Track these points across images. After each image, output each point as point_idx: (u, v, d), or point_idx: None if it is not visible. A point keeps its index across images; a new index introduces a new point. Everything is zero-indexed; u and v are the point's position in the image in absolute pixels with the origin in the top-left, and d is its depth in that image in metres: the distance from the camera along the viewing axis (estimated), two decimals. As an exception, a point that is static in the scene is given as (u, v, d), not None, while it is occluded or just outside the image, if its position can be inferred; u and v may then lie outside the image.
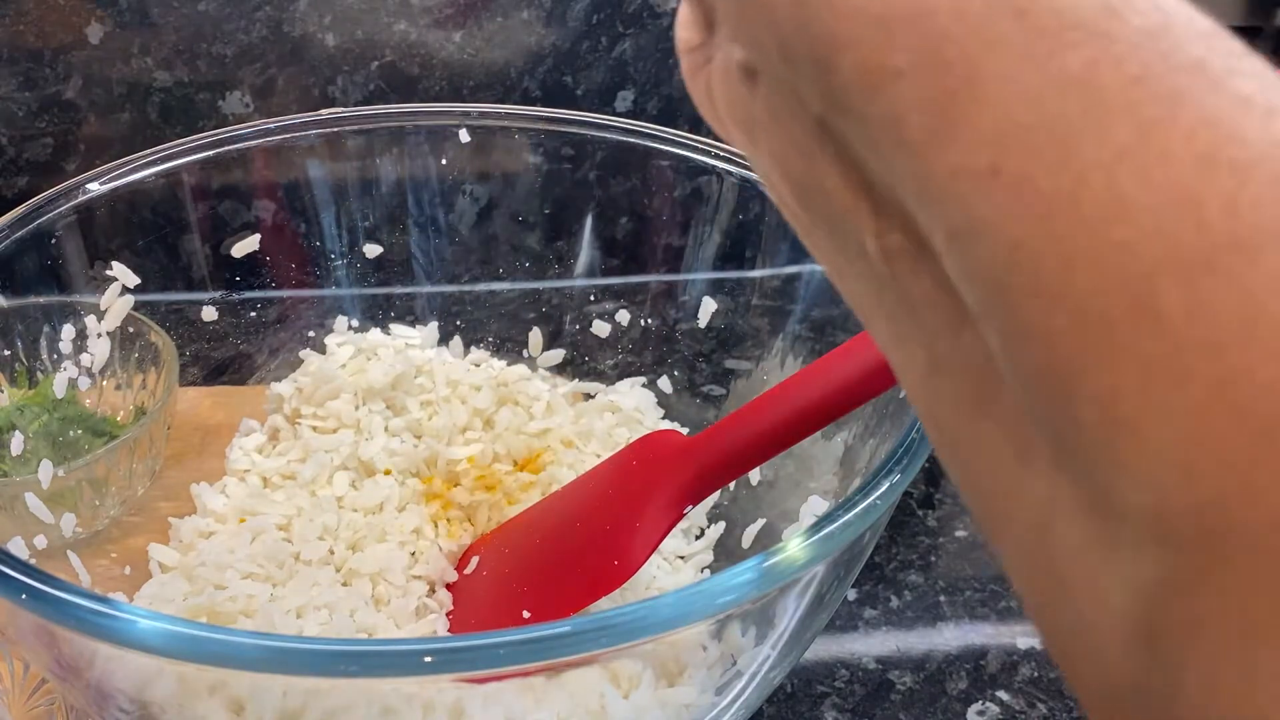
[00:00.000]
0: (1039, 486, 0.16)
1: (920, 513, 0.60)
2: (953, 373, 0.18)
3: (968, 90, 0.16)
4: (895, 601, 0.55)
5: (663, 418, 0.56)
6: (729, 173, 0.54)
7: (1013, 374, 0.16)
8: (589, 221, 0.59)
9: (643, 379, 0.58)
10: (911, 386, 0.19)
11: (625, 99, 0.73)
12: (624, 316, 0.58)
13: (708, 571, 0.50)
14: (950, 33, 0.16)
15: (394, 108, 0.58)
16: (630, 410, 0.55)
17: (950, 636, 0.53)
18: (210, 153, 0.54)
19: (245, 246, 0.56)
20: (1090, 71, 0.15)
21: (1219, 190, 0.14)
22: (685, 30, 0.23)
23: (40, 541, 0.46)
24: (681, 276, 0.58)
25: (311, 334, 0.58)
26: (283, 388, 0.55)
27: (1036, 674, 0.51)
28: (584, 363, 0.59)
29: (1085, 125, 0.15)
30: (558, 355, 0.59)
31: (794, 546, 0.32)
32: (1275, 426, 0.14)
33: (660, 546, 0.44)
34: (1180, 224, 0.14)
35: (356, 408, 0.54)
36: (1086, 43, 0.16)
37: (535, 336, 0.59)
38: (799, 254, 0.53)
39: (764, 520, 0.49)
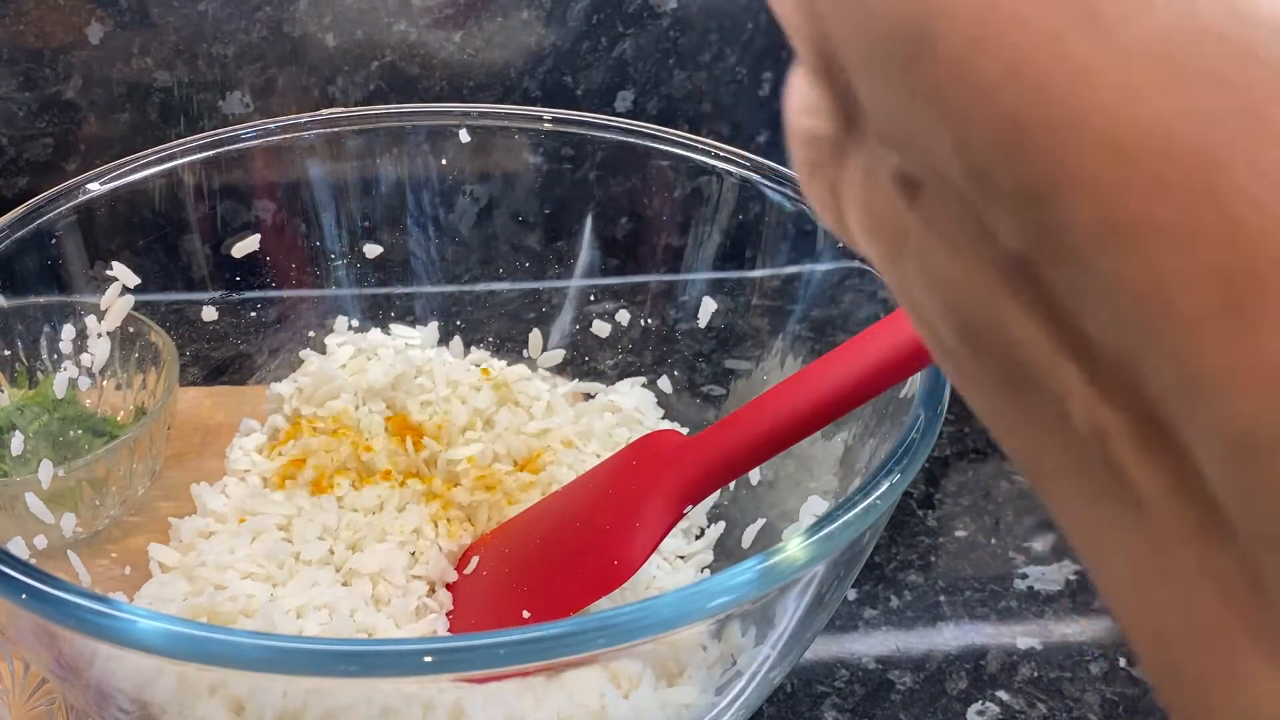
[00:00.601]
0: None
1: (920, 513, 0.60)
2: (1190, 588, 0.14)
3: (1271, 264, 0.12)
4: (895, 601, 0.55)
5: (663, 418, 0.56)
6: (729, 173, 0.54)
7: None
8: (589, 221, 0.59)
9: (643, 379, 0.58)
10: (1108, 580, 0.16)
11: (625, 99, 0.74)
12: (624, 316, 0.58)
13: (708, 571, 0.50)
14: (1245, 189, 0.12)
15: (394, 108, 0.58)
16: (630, 410, 0.55)
17: (950, 636, 0.53)
18: (210, 153, 0.54)
19: (245, 247, 0.56)
20: None
21: None
22: (809, 117, 0.18)
23: (40, 541, 0.46)
24: (681, 276, 0.58)
25: (311, 334, 0.58)
26: (283, 388, 0.55)
27: (1036, 674, 0.51)
28: (584, 363, 0.59)
29: None
30: (558, 355, 0.59)
31: (794, 546, 0.32)
32: None
33: (660, 546, 0.44)
34: None
35: (356, 408, 0.54)
36: None
37: (535, 338, 0.59)
38: (799, 254, 0.53)
39: (764, 520, 0.49)
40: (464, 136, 0.57)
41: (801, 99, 0.19)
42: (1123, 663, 0.52)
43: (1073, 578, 0.56)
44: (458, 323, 0.60)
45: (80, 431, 0.52)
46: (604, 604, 0.41)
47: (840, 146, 0.18)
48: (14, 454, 0.49)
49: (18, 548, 0.45)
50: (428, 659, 0.29)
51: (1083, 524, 0.16)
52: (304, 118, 0.56)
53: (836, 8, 0.16)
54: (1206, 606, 0.14)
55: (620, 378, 0.58)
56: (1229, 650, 0.14)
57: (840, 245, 0.50)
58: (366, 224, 0.58)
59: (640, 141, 0.55)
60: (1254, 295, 0.12)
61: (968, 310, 0.16)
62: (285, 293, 0.58)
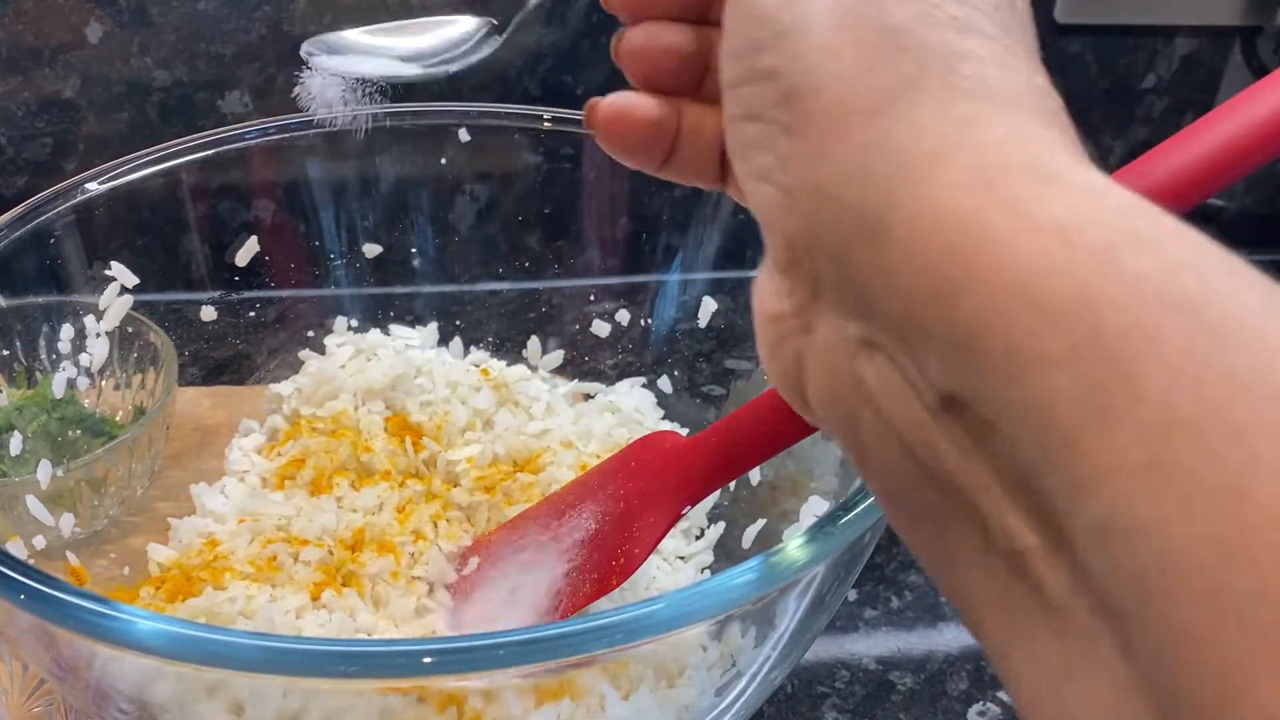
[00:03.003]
0: None
1: (920, 513, 0.60)
2: (1090, 677, 0.17)
3: (1127, 383, 0.15)
4: (895, 602, 0.55)
5: (663, 418, 0.56)
6: (729, 172, 0.54)
7: (1162, 675, 0.15)
8: (589, 221, 0.59)
9: (643, 379, 0.57)
10: (1022, 682, 0.18)
11: (625, 99, 0.73)
12: (624, 316, 0.58)
13: (708, 571, 0.50)
14: (1111, 325, 0.16)
15: (394, 108, 0.57)
16: (630, 410, 0.55)
17: (950, 637, 0.53)
18: (210, 153, 0.54)
19: (245, 254, 0.56)
20: (1259, 365, 0.15)
21: None
22: (774, 300, 0.22)
23: (40, 541, 0.46)
24: (681, 276, 0.58)
25: (311, 334, 0.58)
26: (282, 388, 0.55)
27: (1037, 674, 0.51)
28: (584, 363, 0.59)
29: (1254, 419, 0.14)
30: (558, 357, 0.59)
31: (794, 546, 0.32)
32: None
33: (660, 546, 0.44)
34: None
35: (356, 408, 0.54)
36: (1251, 343, 0.15)
37: (534, 344, 0.59)
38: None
39: (764, 520, 0.49)
40: (464, 136, 0.57)
41: (768, 285, 0.22)
42: (1123, 663, 0.52)
43: (1073, 578, 0.56)
44: (457, 323, 0.60)
45: (79, 431, 0.52)
46: (604, 604, 0.41)
47: (805, 321, 0.21)
48: (13, 454, 0.49)
49: (17, 548, 0.45)
50: (427, 659, 0.29)
51: (998, 631, 0.18)
52: (304, 117, 0.56)
53: (814, 206, 0.20)
54: (1103, 693, 0.16)
55: (620, 378, 0.58)
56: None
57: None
58: (366, 224, 0.58)
59: (640, 141, 0.55)
60: (1115, 410, 0.15)
61: (913, 449, 0.19)
62: (285, 293, 0.58)
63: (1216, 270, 0.16)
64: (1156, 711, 0.15)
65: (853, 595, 0.54)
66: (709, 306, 0.56)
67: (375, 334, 0.58)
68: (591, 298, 0.59)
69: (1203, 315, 0.15)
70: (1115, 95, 0.79)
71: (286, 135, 0.55)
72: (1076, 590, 0.17)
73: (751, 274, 0.58)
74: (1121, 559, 0.15)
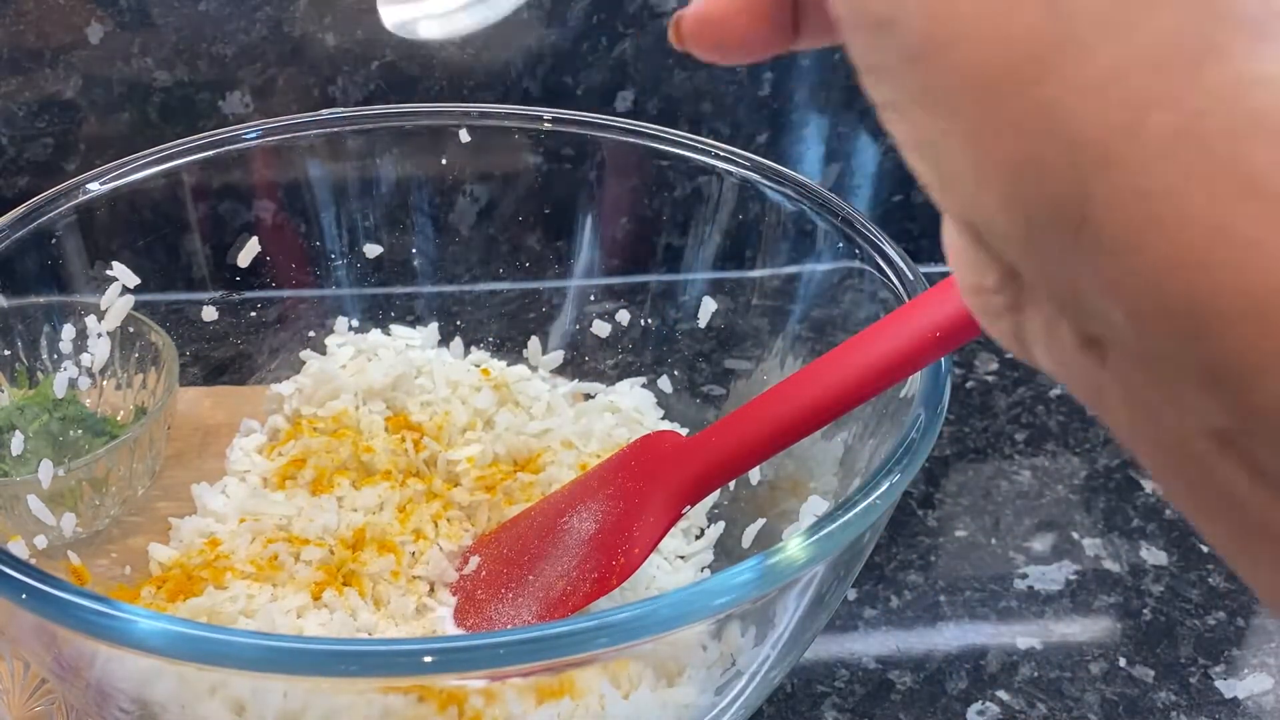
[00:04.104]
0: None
1: (920, 513, 0.60)
2: None
3: None
4: (895, 601, 0.55)
5: (663, 418, 0.56)
6: (729, 173, 0.54)
7: None
8: (589, 221, 0.59)
9: (643, 379, 0.58)
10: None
11: (625, 99, 0.73)
12: (624, 316, 0.58)
13: (708, 571, 0.50)
14: None
15: (394, 108, 0.58)
16: (630, 410, 0.55)
17: (950, 636, 0.53)
18: (210, 153, 0.54)
19: (247, 254, 0.56)
20: None
21: None
22: (971, 273, 0.18)
23: (40, 541, 0.46)
24: (681, 276, 0.58)
25: (311, 334, 0.58)
26: (283, 388, 0.55)
27: (1036, 674, 0.51)
28: (584, 363, 0.59)
29: None
30: (558, 357, 0.59)
31: (794, 546, 0.32)
32: None
33: (660, 546, 0.44)
34: None
35: (356, 408, 0.54)
36: None
37: (534, 345, 0.59)
38: (799, 254, 0.53)
39: (764, 520, 0.49)
40: (464, 136, 0.57)
41: (960, 252, 0.18)
42: (1122, 663, 0.52)
43: (1073, 578, 0.56)
44: (458, 323, 0.60)
45: (80, 431, 0.52)
46: (604, 604, 0.41)
47: (1013, 299, 0.18)
48: (14, 454, 0.49)
49: (18, 548, 0.45)
50: (427, 659, 0.29)
51: (1229, 542, 0.16)
52: (304, 118, 0.56)
53: (978, 186, 0.16)
54: None
55: (620, 378, 0.58)
56: None
57: (840, 245, 0.50)
58: (367, 224, 0.58)
59: (640, 141, 0.55)
60: None
61: (1176, 463, 0.16)
62: (285, 293, 0.58)
63: None
64: None
65: (852, 595, 0.55)
66: (709, 306, 0.56)
67: (376, 334, 0.58)
68: (591, 298, 0.59)
69: None
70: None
71: (287, 136, 0.55)
72: None
73: (751, 274, 0.58)
74: None
